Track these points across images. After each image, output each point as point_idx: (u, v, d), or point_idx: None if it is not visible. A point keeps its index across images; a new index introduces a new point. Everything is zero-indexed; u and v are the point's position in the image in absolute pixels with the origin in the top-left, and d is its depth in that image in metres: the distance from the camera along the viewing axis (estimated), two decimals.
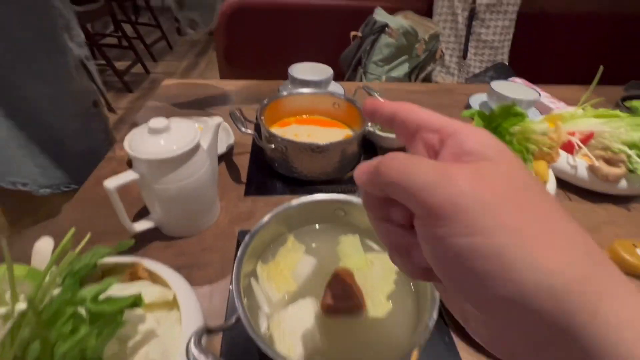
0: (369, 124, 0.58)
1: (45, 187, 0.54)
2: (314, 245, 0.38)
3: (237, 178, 0.54)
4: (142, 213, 0.45)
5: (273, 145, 0.50)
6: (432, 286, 0.30)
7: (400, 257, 0.17)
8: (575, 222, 0.14)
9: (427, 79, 1.24)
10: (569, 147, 0.54)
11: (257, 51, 1.35)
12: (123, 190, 0.36)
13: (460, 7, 1.24)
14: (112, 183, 0.34)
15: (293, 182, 0.54)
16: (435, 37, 1.15)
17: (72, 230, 0.27)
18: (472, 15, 1.24)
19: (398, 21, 1.12)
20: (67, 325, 0.23)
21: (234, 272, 0.30)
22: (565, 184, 0.55)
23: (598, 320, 0.11)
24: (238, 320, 0.26)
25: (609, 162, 0.52)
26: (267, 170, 0.56)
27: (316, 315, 0.32)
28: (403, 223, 0.16)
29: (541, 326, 0.12)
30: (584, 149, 0.53)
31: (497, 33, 1.27)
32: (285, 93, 0.61)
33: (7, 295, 0.23)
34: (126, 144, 0.36)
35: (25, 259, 0.29)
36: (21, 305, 0.22)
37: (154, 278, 0.33)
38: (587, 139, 0.54)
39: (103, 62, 2.24)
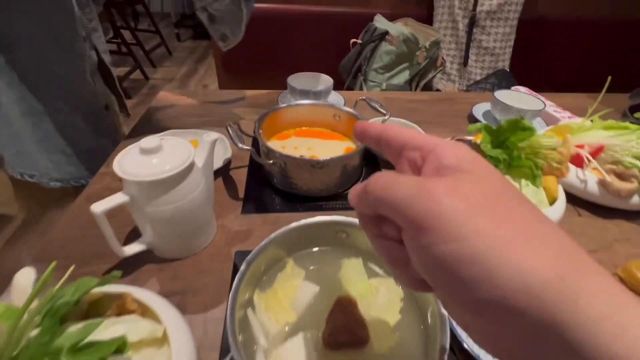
0: None
1: (57, 180, 0.58)
2: (314, 270, 0.36)
3: (235, 194, 0.52)
4: (136, 232, 0.42)
5: (271, 161, 0.49)
6: (441, 314, 0.28)
7: (399, 270, 0.18)
8: (549, 222, 0.14)
9: (428, 86, 1.23)
10: (578, 161, 0.52)
11: (256, 58, 1.33)
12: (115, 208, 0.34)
13: (461, 15, 1.23)
14: (99, 207, 0.32)
15: (292, 197, 0.52)
16: (436, 44, 1.13)
17: (53, 264, 0.25)
18: (472, 22, 1.23)
19: (398, 28, 1.10)
20: None
21: (229, 305, 0.28)
22: (574, 199, 0.53)
23: (579, 316, 0.12)
24: None
25: (620, 176, 0.50)
26: (265, 186, 0.54)
27: (317, 349, 0.30)
28: (397, 238, 0.17)
29: (527, 325, 0.12)
30: (594, 163, 0.51)
31: (497, 40, 1.26)
32: (283, 105, 0.59)
33: None
34: (116, 164, 0.34)
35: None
36: None
37: (144, 309, 0.30)
38: (596, 152, 0.52)
39: None
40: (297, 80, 0.75)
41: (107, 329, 0.25)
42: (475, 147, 0.47)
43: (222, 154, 0.58)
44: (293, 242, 0.36)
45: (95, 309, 0.30)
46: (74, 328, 0.25)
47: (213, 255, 0.42)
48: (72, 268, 0.27)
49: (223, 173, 0.56)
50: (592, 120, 0.58)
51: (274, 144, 0.59)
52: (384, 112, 0.57)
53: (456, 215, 0.14)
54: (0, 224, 1.28)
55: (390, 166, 0.48)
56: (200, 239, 0.42)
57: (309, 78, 0.76)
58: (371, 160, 0.60)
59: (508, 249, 0.13)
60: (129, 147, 0.35)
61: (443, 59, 1.18)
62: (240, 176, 0.56)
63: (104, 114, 0.62)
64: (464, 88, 1.31)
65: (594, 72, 1.50)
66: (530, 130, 0.44)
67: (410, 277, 0.18)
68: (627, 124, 0.55)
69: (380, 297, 0.34)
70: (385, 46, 1.12)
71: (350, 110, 0.59)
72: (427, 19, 1.32)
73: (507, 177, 0.45)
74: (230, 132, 0.49)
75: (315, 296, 0.34)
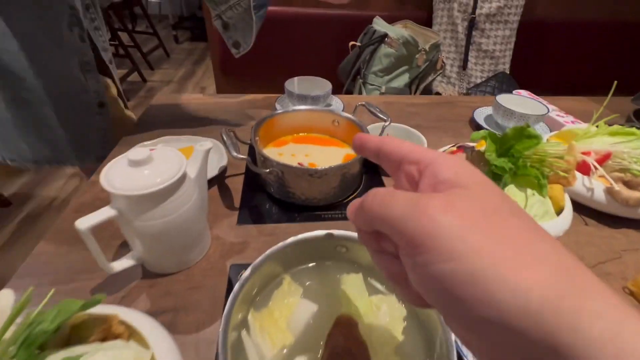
0: None
1: (31, 161, 0.59)
2: (312, 286, 0.34)
3: (230, 204, 0.50)
4: (127, 245, 0.41)
5: (268, 170, 0.47)
6: (446, 336, 0.27)
7: (399, 286, 0.18)
8: (549, 238, 0.14)
9: (428, 89, 1.21)
10: (584, 168, 0.51)
11: (254, 61, 1.31)
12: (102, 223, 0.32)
13: (460, 17, 1.22)
14: (84, 223, 0.31)
15: (290, 207, 0.50)
16: (436, 47, 1.12)
17: (30, 290, 0.24)
18: (471, 25, 1.22)
19: (398, 31, 1.09)
20: None
21: (221, 329, 0.26)
22: (580, 207, 0.52)
23: (579, 338, 0.11)
24: None
25: (628, 184, 0.49)
26: (262, 194, 0.53)
27: None
28: (396, 254, 0.17)
29: (527, 346, 0.12)
30: (601, 170, 0.50)
31: (497, 43, 1.25)
32: (281, 110, 0.58)
33: None
34: (102, 177, 0.32)
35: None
36: None
37: (131, 332, 0.29)
38: (603, 159, 0.50)
39: None
40: (295, 84, 0.73)
41: (90, 358, 0.23)
42: (478, 154, 0.46)
43: (218, 161, 0.56)
44: (290, 257, 0.35)
45: (78, 333, 0.28)
46: (53, 359, 0.23)
47: (207, 270, 0.41)
48: (51, 292, 0.25)
49: (218, 181, 0.54)
50: (597, 126, 0.56)
51: (271, 151, 0.57)
52: (384, 118, 0.55)
53: (451, 233, 0.13)
54: None
55: None
56: (193, 253, 0.40)
57: (307, 82, 0.75)
58: (371, 168, 0.58)
59: (505, 268, 0.12)
60: (117, 158, 0.34)
61: (443, 61, 1.17)
62: (236, 184, 0.54)
63: (94, 110, 0.62)
64: (464, 91, 1.29)
65: (595, 75, 1.49)
66: (536, 138, 0.42)
67: (410, 293, 0.17)
68: (633, 129, 0.54)
69: (381, 316, 0.32)
70: (384, 49, 1.10)
71: (350, 116, 0.57)
72: (426, 21, 1.31)
73: (512, 186, 0.44)
74: (226, 140, 0.47)
75: (313, 315, 0.32)
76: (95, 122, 0.63)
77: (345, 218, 0.50)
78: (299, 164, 0.54)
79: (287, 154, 0.57)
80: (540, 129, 0.74)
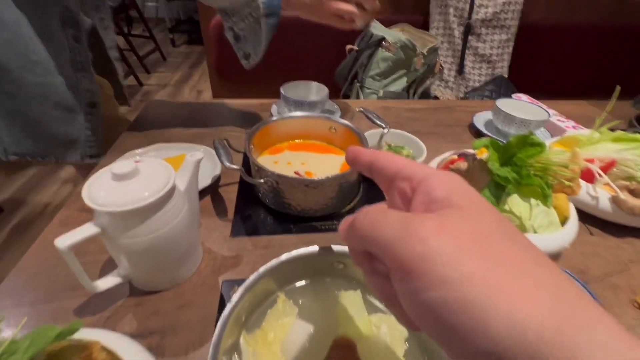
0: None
1: (14, 154, 0.59)
2: (308, 305, 0.33)
3: (223, 214, 0.49)
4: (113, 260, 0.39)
5: (262, 180, 0.45)
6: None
7: (393, 308, 0.17)
8: (546, 262, 0.13)
9: (426, 93, 1.20)
10: (588, 176, 0.49)
11: None
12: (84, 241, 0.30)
13: (456, 22, 1.21)
14: (64, 242, 0.29)
15: (286, 218, 0.49)
16: (434, 51, 1.11)
17: (2, 317, 0.22)
18: (467, 30, 1.21)
19: (395, 34, 1.08)
20: None
21: (210, 356, 0.24)
22: (585, 216, 0.50)
23: None
24: None
25: (633, 193, 0.47)
26: (257, 205, 0.51)
27: None
28: (389, 274, 0.16)
29: None
30: (605, 178, 0.48)
31: (494, 47, 1.24)
32: (276, 117, 0.56)
33: None
34: (85, 192, 0.30)
35: None
36: None
37: (114, 359, 0.27)
38: (608, 167, 0.49)
39: None
40: (290, 89, 0.71)
41: None
42: (480, 163, 0.44)
43: (211, 169, 0.54)
44: (284, 274, 0.33)
45: None
46: None
47: (197, 286, 0.39)
48: (23, 321, 0.23)
49: (212, 191, 0.52)
50: (600, 132, 0.55)
51: (266, 159, 0.55)
52: (383, 125, 0.54)
53: (443, 258, 0.13)
54: None
55: None
56: (183, 269, 0.39)
57: (304, 87, 0.73)
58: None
59: (500, 296, 0.12)
60: (100, 171, 0.32)
61: (441, 65, 1.16)
62: (230, 194, 0.52)
63: (83, 109, 0.61)
64: (462, 95, 1.28)
65: (592, 78, 1.49)
66: (540, 146, 0.41)
67: (405, 316, 0.16)
68: (637, 136, 0.53)
69: (381, 338, 0.31)
70: (382, 53, 1.09)
71: (347, 122, 0.56)
72: (423, 25, 1.30)
73: (516, 196, 0.42)
74: (219, 149, 0.45)
75: (309, 337, 0.31)
76: (83, 121, 0.62)
77: None
78: (295, 172, 0.52)
79: (283, 162, 0.55)
80: (541, 134, 0.73)
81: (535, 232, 0.41)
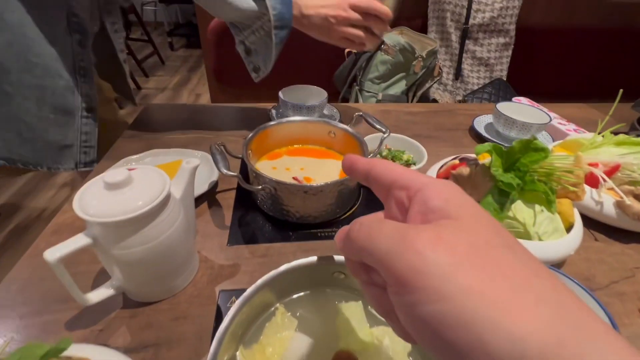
0: (371, 154, 0.52)
1: (3, 159, 0.58)
2: (308, 317, 0.32)
3: (220, 222, 0.48)
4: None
5: (260, 186, 0.44)
6: None
7: (391, 321, 0.17)
8: (547, 274, 0.13)
9: (425, 96, 1.20)
10: (592, 181, 0.49)
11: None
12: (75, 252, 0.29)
13: (453, 27, 1.21)
14: (54, 254, 0.28)
15: (284, 225, 0.48)
16: (433, 54, 1.11)
17: None
18: (464, 35, 1.21)
19: (394, 37, 1.08)
20: None
21: None
22: (589, 222, 0.49)
23: None
24: None
25: (639, 198, 0.47)
26: (254, 212, 0.50)
27: None
28: (385, 286, 0.15)
29: None
30: (610, 183, 0.47)
31: (492, 50, 1.24)
32: (274, 122, 0.55)
33: None
34: (75, 202, 0.29)
35: None
36: None
37: None
38: (612, 171, 0.48)
39: None
40: (289, 93, 0.71)
41: None
42: (482, 169, 0.43)
43: (208, 175, 0.53)
44: (283, 285, 0.32)
45: None
46: None
47: (193, 297, 0.38)
48: (7, 343, 0.22)
49: (208, 197, 0.51)
50: (603, 136, 0.54)
51: (264, 165, 0.54)
52: (383, 129, 0.53)
53: (440, 271, 0.12)
54: None
55: None
56: (179, 279, 0.37)
57: (302, 91, 0.72)
58: None
59: (499, 310, 0.11)
60: (92, 180, 0.31)
61: (440, 68, 1.15)
62: (227, 201, 0.51)
63: (80, 113, 0.60)
64: (461, 98, 1.28)
65: (590, 81, 1.49)
66: (543, 151, 0.40)
67: (402, 329, 0.16)
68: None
69: (384, 351, 0.30)
70: (380, 56, 1.09)
71: (347, 127, 0.55)
72: (421, 28, 1.30)
73: (520, 202, 0.41)
74: (215, 154, 0.44)
75: (309, 351, 0.29)
76: (79, 125, 0.62)
77: None
78: (293, 178, 0.51)
79: (281, 167, 0.54)
80: (542, 138, 0.72)
81: (540, 239, 0.40)
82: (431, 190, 0.16)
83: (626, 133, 0.63)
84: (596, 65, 1.47)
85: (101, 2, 0.62)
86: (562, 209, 0.44)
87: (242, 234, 0.46)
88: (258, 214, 0.49)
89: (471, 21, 1.18)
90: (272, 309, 0.32)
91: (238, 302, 0.27)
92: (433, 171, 0.51)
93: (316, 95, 0.72)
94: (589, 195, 0.49)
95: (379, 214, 0.18)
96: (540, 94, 0.99)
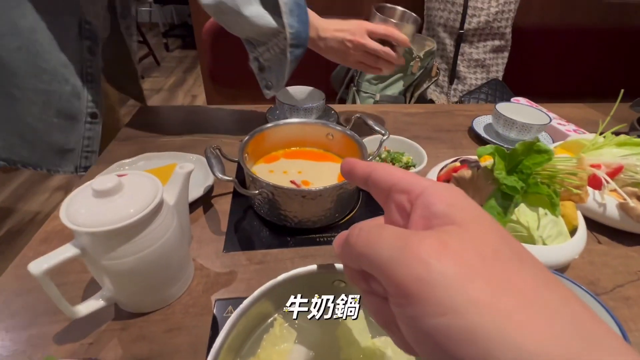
0: (370, 157, 0.51)
1: (4, 160, 0.58)
2: (308, 328, 0.30)
3: (216, 228, 0.46)
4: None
5: (257, 191, 0.43)
6: None
7: (391, 332, 0.16)
8: (557, 284, 0.12)
9: (422, 97, 1.19)
10: (595, 183, 0.48)
11: (243, 70, 1.28)
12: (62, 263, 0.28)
13: (447, 33, 1.22)
14: (39, 266, 0.26)
15: (282, 230, 0.46)
16: (430, 54, 1.10)
17: None
18: (459, 39, 1.21)
19: None
20: None
21: None
22: (592, 224, 0.48)
23: None
24: None
25: None
26: (251, 217, 0.48)
27: None
28: (386, 296, 0.15)
29: None
30: (613, 185, 0.47)
31: (487, 52, 1.24)
32: (271, 124, 0.54)
33: None
34: (62, 211, 0.28)
35: None
36: None
37: None
38: (615, 172, 0.48)
39: None
40: (286, 95, 0.69)
41: None
42: (484, 171, 0.42)
43: (203, 179, 0.52)
44: (281, 294, 0.30)
45: None
46: None
47: (188, 307, 0.36)
48: None
49: (204, 202, 0.50)
50: (604, 137, 0.54)
51: (261, 168, 0.53)
52: (382, 132, 0.52)
53: (446, 282, 0.12)
54: None
55: None
56: (173, 289, 0.36)
57: (299, 92, 0.71)
58: None
59: (508, 324, 0.11)
60: (80, 188, 0.29)
61: (438, 69, 1.15)
62: (223, 205, 0.50)
63: (84, 119, 0.60)
64: (457, 98, 1.28)
65: (588, 81, 1.49)
66: (547, 153, 0.39)
67: (404, 341, 0.15)
68: None
69: None
70: None
71: (345, 129, 0.54)
72: (418, 29, 1.29)
73: (523, 205, 0.40)
74: (210, 158, 0.43)
75: None
76: (82, 130, 0.61)
77: None
78: (291, 181, 0.50)
79: (279, 170, 0.53)
80: (542, 138, 0.72)
81: (544, 243, 0.39)
82: (434, 194, 0.15)
83: (626, 133, 0.62)
84: (593, 65, 1.48)
85: (118, 10, 0.63)
86: (565, 211, 0.43)
87: (239, 240, 0.45)
88: (255, 219, 0.48)
89: (466, 26, 1.18)
90: (270, 319, 0.30)
91: (234, 314, 0.26)
92: (433, 174, 0.50)
93: (313, 96, 0.71)
94: (592, 198, 0.48)
95: (379, 219, 0.18)
96: (537, 94, 0.99)
